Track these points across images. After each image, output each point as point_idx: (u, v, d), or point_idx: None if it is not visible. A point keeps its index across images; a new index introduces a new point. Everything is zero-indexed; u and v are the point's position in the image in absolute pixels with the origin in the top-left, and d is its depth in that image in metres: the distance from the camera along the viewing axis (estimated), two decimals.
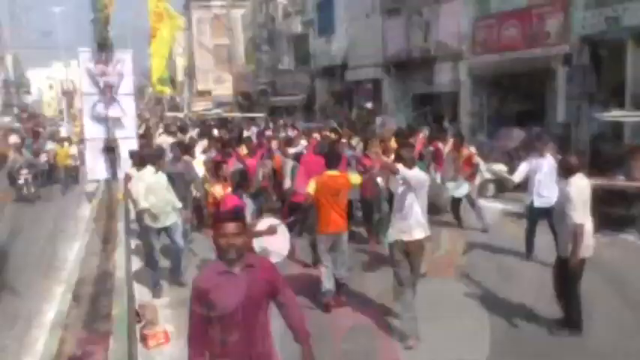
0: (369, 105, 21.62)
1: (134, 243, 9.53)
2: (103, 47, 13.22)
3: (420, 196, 5.34)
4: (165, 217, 7.02)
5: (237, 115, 33.29)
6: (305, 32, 28.12)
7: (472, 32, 16.19)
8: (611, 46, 12.50)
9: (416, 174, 5.35)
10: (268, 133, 16.84)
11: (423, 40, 18.42)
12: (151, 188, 6.88)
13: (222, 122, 27.25)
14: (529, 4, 14.41)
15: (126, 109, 13.96)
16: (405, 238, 5.31)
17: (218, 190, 6.68)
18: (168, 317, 5.94)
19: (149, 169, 7.14)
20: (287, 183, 9.03)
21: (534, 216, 7.49)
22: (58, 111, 71.58)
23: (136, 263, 8.35)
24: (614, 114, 10.70)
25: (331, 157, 6.47)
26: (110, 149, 13.73)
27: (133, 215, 8.90)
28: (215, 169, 7.41)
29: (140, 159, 7.78)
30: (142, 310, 6.04)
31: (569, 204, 5.15)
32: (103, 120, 13.72)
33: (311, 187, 6.13)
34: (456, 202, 9.64)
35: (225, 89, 44.46)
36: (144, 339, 5.62)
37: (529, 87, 15.83)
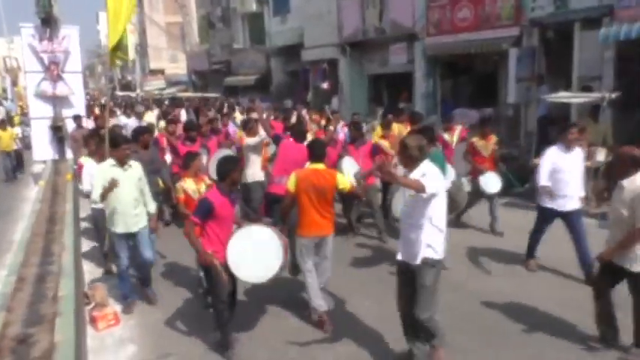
0: (324, 85, 21.59)
1: (83, 225, 9.32)
2: (47, 23, 12.73)
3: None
4: (134, 221, 5.77)
5: (192, 94, 32.73)
6: (260, 11, 27.70)
7: (426, 13, 16.30)
8: (559, 29, 12.81)
9: (442, 183, 4.27)
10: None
11: (378, 20, 18.44)
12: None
13: (178, 102, 26.74)
14: None
15: (73, 87, 13.54)
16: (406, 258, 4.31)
17: (190, 184, 5.93)
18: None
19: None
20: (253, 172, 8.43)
21: (549, 220, 6.50)
22: (1, 89, 68.60)
23: (85, 245, 8.16)
24: (561, 95, 11.00)
25: (316, 146, 5.43)
26: (57, 128, 13.32)
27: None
28: (185, 158, 6.14)
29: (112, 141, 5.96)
30: (91, 292, 5.91)
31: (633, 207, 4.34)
32: (49, 98, 13.27)
33: (291, 183, 5.22)
34: (473, 200, 8.23)
35: (178, 68, 43.63)
36: (93, 321, 5.51)
37: (482, 69, 16.13)
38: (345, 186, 5.28)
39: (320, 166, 5.30)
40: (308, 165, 5.45)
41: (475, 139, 8.30)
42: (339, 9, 20.27)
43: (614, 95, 9.93)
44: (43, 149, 13.48)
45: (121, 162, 5.67)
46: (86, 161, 7.16)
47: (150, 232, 6.02)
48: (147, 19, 45.76)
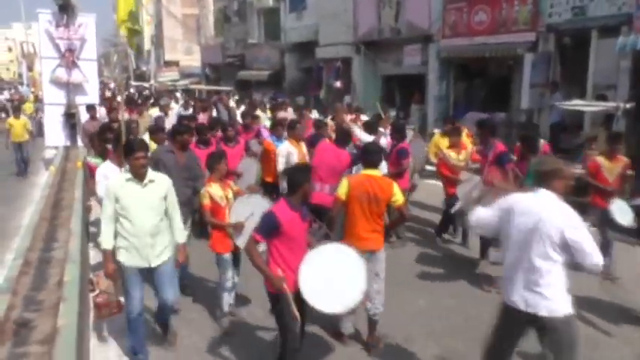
0: (337, 84, 21.56)
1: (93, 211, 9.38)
2: (65, 10, 12.80)
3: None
4: (153, 253, 4.52)
5: (204, 87, 32.83)
6: (276, 6, 27.70)
7: (442, 15, 16.23)
8: (576, 36, 12.72)
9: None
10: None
11: (393, 21, 18.39)
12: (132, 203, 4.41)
13: (191, 94, 26.81)
14: None
15: (88, 74, 13.61)
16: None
17: (216, 190, 5.25)
18: None
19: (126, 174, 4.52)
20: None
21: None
22: (17, 74, 69.17)
23: (93, 230, 8.22)
24: (575, 103, 10.92)
25: (371, 151, 4.98)
26: (70, 115, 13.40)
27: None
28: (210, 160, 5.38)
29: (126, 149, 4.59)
30: (96, 279, 5.95)
31: None
32: (63, 85, 13.35)
33: (342, 190, 4.78)
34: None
35: (193, 60, 43.72)
36: (97, 308, 5.54)
37: (496, 72, 16.06)
38: (399, 200, 4.79)
39: (375, 172, 4.84)
40: (362, 171, 4.99)
41: (600, 159, 6.62)
42: (355, 8, 20.23)
43: (628, 105, 9.85)
44: (55, 135, 13.58)
45: (138, 175, 4.41)
46: (97, 162, 6.55)
47: (175, 266, 4.84)
48: (164, 10, 45.91)
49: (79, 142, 12.66)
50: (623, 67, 11.35)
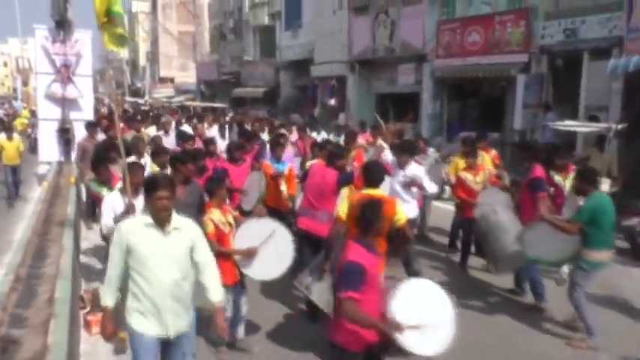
0: (332, 101, 21.68)
1: (84, 228, 9.33)
2: (61, 25, 12.83)
3: None
4: (173, 320, 3.56)
5: (199, 104, 32.93)
6: (272, 24, 27.97)
7: (436, 35, 16.41)
8: (568, 58, 12.88)
9: None
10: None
11: (388, 40, 18.57)
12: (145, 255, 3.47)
13: (185, 110, 26.85)
14: (492, 11, 14.71)
15: (83, 90, 13.61)
16: None
17: (217, 215, 4.83)
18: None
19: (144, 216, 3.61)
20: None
21: None
22: (12, 89, 69.19)
23: (85, 246, 8.16)
24: (568, 124, 11.02)
25: (372, 169, 4.83)
26: (64, 130, 13.36)
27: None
28: (210, 184, 5.06)
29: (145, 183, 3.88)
30: (87, 295, 5.91)
31: None
32: (58, 100, 13.33)
33: (342, 209, 4.63)
34: None
35: (188, 77, 43.90)
36: (87, 325, 5.49)
37: (489, 93, 16.21)
38: (401, 219, 4.57)
39: (377, 192, 4.67)
40: (363, 190, 4.82)
41: None
42: (350, 27, 20.44)
43: (620, 126, 9.95)
44: (49, 150, 13.52)
45: (160, 220, 3.46)
46: (102, 192, 5.98)
47: (209, 336, 4.06)
48: (160, 27, 46.18)
49: (73, 158, 12.62)
50: (615, 88, 11.49)
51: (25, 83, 37.43)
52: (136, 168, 5.43)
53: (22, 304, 4.83)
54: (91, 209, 9.63)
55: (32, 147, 17.29)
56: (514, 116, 13.87)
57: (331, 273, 4.58)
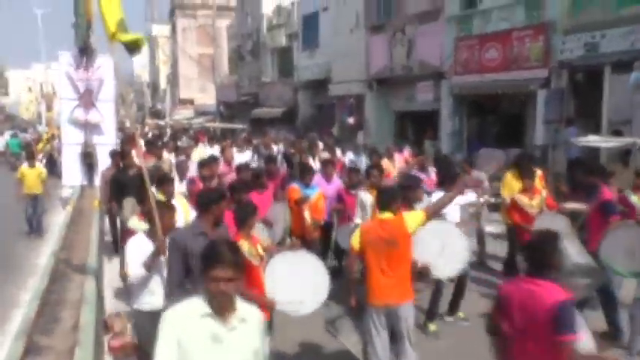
0: (350, 120, 21.72)
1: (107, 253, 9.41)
2: (84, 52, 13.11)
3: None
4: None
5: (219, 125, 33.25)
6: (289, 45, 28.24)
7: (454, 52, 16.40)
8: (588, 72, 12.75)
9: None
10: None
11: (405, 58, 18.60)
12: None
13: (206, 131, 27.11)
14: (510, 27, 14.67)
15: (105, 115, 13.84)
16: None
17: (246, 247, 4.29)
18: None
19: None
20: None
21: None
22: (36, 114, 70.77)
23: (108, 273, 8.22)
24: (591, 139, 10.86)
25: (384, 192, 4.74)
26: (87, 155, 13.57)
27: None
28: (241, 211, 4.64)
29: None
30: (110, 320, 5.92)
31: None
32: (81, 125, 13.58)
33: (355, 240, 4.52)
34: None
35: (207, 98, 44.39)
36: (111, 350, 5.50)
37: (508, 109, 16.08)
38: (417, 219, 4.43)
39: (388, 215, 4.50)
40: (376, 215, 4.72)
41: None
42: (367, 46, 20.53)
43: None
44: (72, 174, 13.72)
45: (220, 309, 2.59)
46: (138, 227, 5.31)
47: None
48: (179, 50, 46.95)
49: (96, 183, 12.78)
50: (637, 102, 11.32)
51: (49, 108, 38.22)
52: (164, 210, 4.62)
53: (47, 331, 4.87)
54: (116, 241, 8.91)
55: (51, 168, 17.35)
56: (535, 132, 13.73)
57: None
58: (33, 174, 12.17)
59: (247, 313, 2.69)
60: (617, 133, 11.31)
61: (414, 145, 18.96)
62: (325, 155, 10.90)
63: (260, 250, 4.57)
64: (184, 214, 5.86)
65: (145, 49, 69.01)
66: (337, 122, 23.21)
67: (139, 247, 4.42)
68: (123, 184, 8.16)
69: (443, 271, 4.91)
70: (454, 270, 5.01)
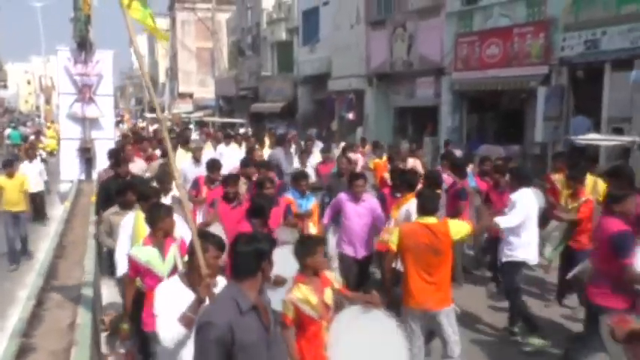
0: (350, 115, 21.67)
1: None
2: (83, 46, 13.03)
3: None
4: None
5: (218, 119, 33.20)
6: (289, 40, 28.14)
7: (454, 48, 16.34)
8: (589, 69, 12.70)
9: None
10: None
11: (406, 54, 18.54)
12: None
13: (203, 125, 27.08)
14: (511, 23, 14.61)
15: (104, 110, 13.78)
16: None
17: (307, 294, 3.49)
18: None
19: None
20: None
21: None
22: (35, 107, 70.61)
23: (106, 270, 8.19)
24: (591, 137, 10.84)
25: (426, 196, 4.57)
26: (85, 150, 13.53)
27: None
28: (304, 246, 3.67)
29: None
30: (107, 317, 5.91)
31: None
32: (79, 120, 13.51)
33: (393, 239, 4.40)
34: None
35: (206, 93, 44.31)
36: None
37: (509, 105, 16.05)
38: (461, 231, 4.35)
39: (431, 220, 4.37)
40: (416, 218, 4.56)
41: None
42: (368, 41, 20.46)
43: None
44: (70, 169, 13.69)
45: None
46: (154, 267, 4.12)
47: None
48: (179, 43, 46.78)
49: (94, 176, 12.73)
50: (638, 100, 11.29)
51: (47, 101, 38.12)
52: (209, 243, 3.36)
53: (44, 330, 4.85)
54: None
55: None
56: (535, 129, 13.69)
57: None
58: (13, 186, 9.74)
59: None
60: (617, 130, 11.29)
61: (413, 140, 19.02)
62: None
63: (328, 298, 3.53)
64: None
65: (143, 42, 68.70)
66: (337, 117, 23.16)
67: (170, 297, 3.23)
68: (109, 195, 6.45)
69: None
70: None
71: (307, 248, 3.57)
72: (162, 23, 54.48)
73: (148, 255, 4.08)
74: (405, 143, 16.42)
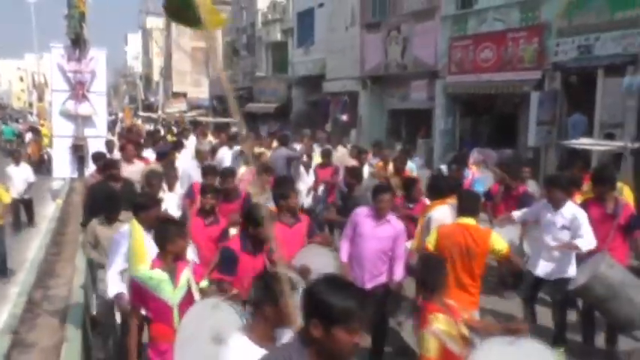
0: (344, 117, 21.70)
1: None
2: (77, 44, 12.99)
3: None
4: None
5: (211, 119, 33.14)
6: (284, 40, 28.15)
7: (448, 52, 16.40)
8: (582, 74, 12.78)
9: None
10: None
11: (400, 57, 18.60)
12: None
13: (197, 125, 26.97)
14: (505, 27, 14.68)
15: (97, 107, 13.74)
16: None
17: (447, 326, 3.09)
18: None
19: None
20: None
21: None
22: (27, 104, 70.21)
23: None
24: (582, 142, 10.89)
25: (467, 196, 4.53)
26: (78, 147, 13.49)
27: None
28: (431, 270, 3.43)
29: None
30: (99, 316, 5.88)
31: None
32: (72, 117, 13.47)
33: (430, 240, 4.31)
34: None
35: (200, 92, 44.21)
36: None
37: (502, 109, 16.11)
38: (502, 249, 4.20)
39: (470, 221, 4.27)
40: (456, 219, 4.43)
41: None
42: (362, 43, 20.50)
43: (636, 145, 9.82)
44: (62, 167, 13.63)
45: None
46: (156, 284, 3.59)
47: None
48: (173, 43, 46.68)
49: (86, 174, 12.68)
50: (630, 106, 11.36)
51: (40, 98, 37.93)
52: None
53: (35, 327, 4.83)
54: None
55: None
56: (528, 133, 13.76)
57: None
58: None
59: None
60: (609, 136, 11.36)
61: (407, 143, 19.06)
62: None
63: (464, 329, 3.09)
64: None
65: (138, 41, 68.40)
66: (331, 119, 23.18)
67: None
68: (98, 202, 5.62)
69: None
70: None
71: (439, 267, 3.35)
72: (158, 23, 54.45)
73: (159, 279, 3.49)
74: (398, 145, 16.48)
